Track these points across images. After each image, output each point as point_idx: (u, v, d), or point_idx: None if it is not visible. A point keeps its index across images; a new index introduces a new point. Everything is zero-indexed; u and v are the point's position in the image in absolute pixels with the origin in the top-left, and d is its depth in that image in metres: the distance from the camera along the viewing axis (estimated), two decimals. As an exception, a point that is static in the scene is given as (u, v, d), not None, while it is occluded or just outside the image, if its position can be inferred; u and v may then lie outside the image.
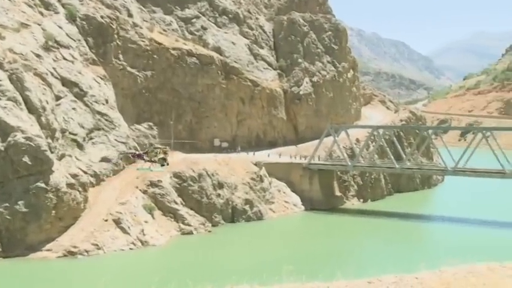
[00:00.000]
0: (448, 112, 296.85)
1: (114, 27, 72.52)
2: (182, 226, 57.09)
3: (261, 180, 70.46)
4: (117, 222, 50.82)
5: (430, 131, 79.98)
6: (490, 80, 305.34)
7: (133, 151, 57.78)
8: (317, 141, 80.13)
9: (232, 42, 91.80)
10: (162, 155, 55.41)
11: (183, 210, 58.72)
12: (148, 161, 55.03)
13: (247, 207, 65.47)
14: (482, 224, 66.27)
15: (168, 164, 56.73)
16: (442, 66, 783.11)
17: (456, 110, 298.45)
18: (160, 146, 57.19)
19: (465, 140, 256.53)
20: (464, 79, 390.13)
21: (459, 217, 70.93)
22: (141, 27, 77.43)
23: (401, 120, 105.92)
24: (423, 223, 68.96)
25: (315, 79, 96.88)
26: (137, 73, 74.79)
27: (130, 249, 49.16)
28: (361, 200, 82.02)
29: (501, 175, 67.52)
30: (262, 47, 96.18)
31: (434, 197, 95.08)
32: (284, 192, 73.29)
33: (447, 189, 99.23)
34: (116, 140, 62.57)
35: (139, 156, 55.54)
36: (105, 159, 59.46)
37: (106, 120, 63.01)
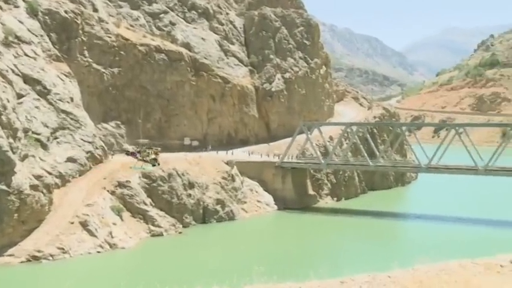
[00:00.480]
0: (421, 108, 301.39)
1: (78, 22, 71.38)
2: (152, 228, 56.61)
3: (233, 180, 70.36)
4: (84, 225, 50.07)
5: (403, 128, 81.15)
6: (462, 75, 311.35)
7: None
8: (290, 139, 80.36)
9: (202, 38, 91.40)
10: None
11: (153, 211, 58.23)
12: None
13: (218, 207, 65.30)
14: (455, 221, 67.53)
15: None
16: (415, 62, 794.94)
17: (429, 106, 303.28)
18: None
19: (438, 136, 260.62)
20: (437, 75, 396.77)
21: (432, 214, 72.14)
22: (107, 23, 76.40)
23: (374, 117, 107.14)
24: (397, 221, 69.90)
25: (287, 75, 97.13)
26: (103, 70, 73.79)
27: (98, 252, 48.52)
28: (335, 199, 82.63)
29: (474, 171, 68.91)
30: (232, 43, 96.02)
31: (408, 195, 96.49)
32: (256, 192, 73.33)
33: (421, 187, 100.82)
34: (81, 139, 61.62)
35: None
36: (70, 160, 58.52)
37: (71, 119, 61.97)
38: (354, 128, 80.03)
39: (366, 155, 76.11)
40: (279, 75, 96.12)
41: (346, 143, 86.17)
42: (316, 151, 78.24)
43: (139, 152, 63.81)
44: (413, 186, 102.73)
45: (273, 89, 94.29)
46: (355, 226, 65.43)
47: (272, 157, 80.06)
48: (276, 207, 73.03)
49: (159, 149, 66.60)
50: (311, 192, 79.44)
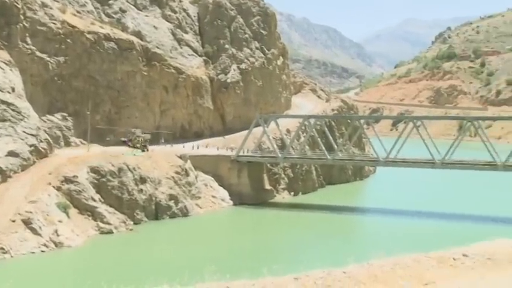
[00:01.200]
0: (380, 101, 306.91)
1: (19, 6, 69.11)
2: (101, 225, 55.60)
3: (187, 174, 69.91)
4: (27, 223, 48.67)
5: (362, 121, 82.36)
6: (420, 68, 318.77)
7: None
8: (246, 132, 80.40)
9: (154, 26, 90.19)
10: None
11: (102, 208, 57.17)
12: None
13: (171, 203, 64.78)
14: (412, 214, 69.26)
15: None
16: (373, 54, 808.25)
17: (388, 98, 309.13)
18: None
19: (397, 129, 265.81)
20: (395, 67, 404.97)
21: (390, 208, 73.71)
22: (51, 8, 74.28)
23: (332, 110, 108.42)
24: (355, 216, 71.10)
25: (243, 66, 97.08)
26: (48, 58, 71.82)
27: (42, 251, 47.25)
28: (292, 193, 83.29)
29: (431, 165, 70.72)
30: (186, 32, 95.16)
31: (366, 189, 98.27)
32: (211, 187, 73.14)
33: (379, 180, 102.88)
34: (24, 132, 59.83)
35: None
36: (12, 154, 56.77)
37: (13, 110, 60.07)
38: (312, 120, 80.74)
39: (323, 148, 76.91)
40: (234, 66, 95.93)
41: (304, 136, 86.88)
42: (273, 144, 78.56)
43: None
44: (372, 180, 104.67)
45: (228, 80, 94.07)
46: (313, 221, 66.09)
47: (227, 151, 79.91)
48: (231, 202, 73.03)
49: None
50: (268, 187, 79.78)
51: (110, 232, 55.38)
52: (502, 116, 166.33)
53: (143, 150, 69.31)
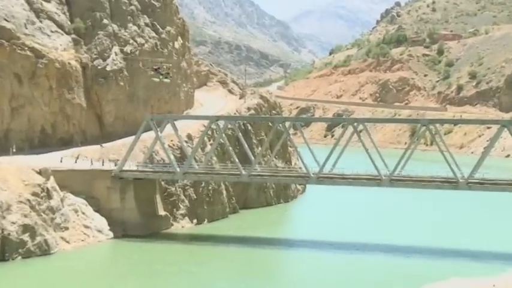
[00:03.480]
0: (310, 98, 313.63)
1: None
2: None
3: (49, 197, 68.01)
4: None
5: (287, 124, 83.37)
6: (362, 55, 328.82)
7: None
8: (132, 138, 79.47)
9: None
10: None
11: None
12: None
13: (26, 236, 62.63)
14: (351, 248, 70.80)
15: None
16: (302, 36, 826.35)
17: (321, 94, 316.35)
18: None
19: (333, 135, 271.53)
20: (330, 53, 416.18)
21: (323, 240, 75.02)
22: None
23: (249, 109, 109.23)
24: (277, 250, 71.66)
25: (128, 49, 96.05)
26: None
27: None
28: (195, 221, 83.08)
29: (377, 182, 72.56)
30: (48, 1, 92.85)
31: (292, 214, 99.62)
32: (83, 213, 71.63)
33: (309, 203, 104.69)
34: None
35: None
36: None
37: None
38: (222, 123, 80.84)
39: (236, 160, 77.19)
40: (116, 49, 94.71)
41: (211, 144, 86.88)
42: (169, 155, 78.02)
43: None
44: (300, 203, 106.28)
45: (108, 68, 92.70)
46: (223, 259, 66.15)
47: (107, 164, 78.66)
48: (111, 234, 71.84)
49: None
50: (162, 212, 79.15)
51: None
52: (465, 118, 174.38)
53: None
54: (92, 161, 79.68)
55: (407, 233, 79.57)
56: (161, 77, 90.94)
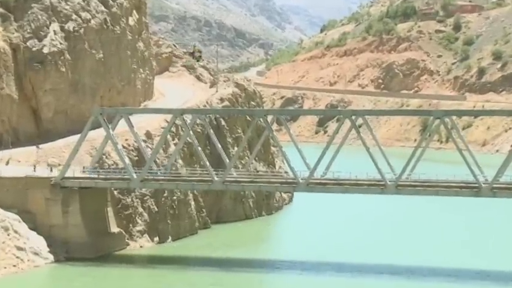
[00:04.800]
0: (297, 85, 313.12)
1: None
2: None
3: (-30, 211, 67.74)
4: None
5: (269, 118, 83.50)
6: (361, 32, 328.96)
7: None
8: (76, 137, 79.18)
9: None
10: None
11: None
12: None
13: None
14: (350, 271, 71.26)
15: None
16: (286, 9, 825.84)
17: (311, 81, 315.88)
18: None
19: (325, 132, 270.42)
20: (322, 31, 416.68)
21: (315, 262, 75.26)
22: None
23: (222, 100, 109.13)
24: (253, 274, 71.76)
25: (70, 26, 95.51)
26: None
27: None
28: (156, 240, 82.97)
29: (379, 189, 72.81)
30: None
31: (276, 229, 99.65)
32: (16, 232, 71.20)
33: (296, 216, 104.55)
34: None
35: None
36: None
37: None
38: (188, 118, 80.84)
39: (207, 163, 77.18)
40: (55, 26, 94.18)
41: (175, 144, 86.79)
42: (124, 158, 77.87)
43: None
44: (286, 215, 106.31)
45: (45, 50, 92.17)
46: (188, 286, 66.26)
47: (45, 170, 78.32)
48: (51, 257, 71.49)
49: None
50: (115, 229, 78.90)
51: None
52: (488, 109, 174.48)
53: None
54: (29, 166, 79.45)
55: (417, 252, 79.45)
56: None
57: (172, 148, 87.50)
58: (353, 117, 75.90)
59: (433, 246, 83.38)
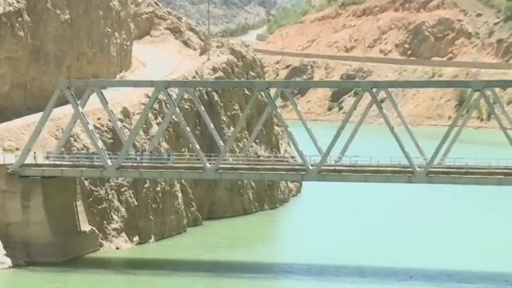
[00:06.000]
0: (306, 52, 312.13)
1: None
2: None
3: None
4: None
5: (272, 91, 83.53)
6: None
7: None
8: (38, 116, 79.18)
9: None
10: None
11: None
12: None
13: None
14: (360, 275, 71.63)
15: None
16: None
17: (323, 47, 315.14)
18: None
19: (340, 108, 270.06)
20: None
21: (320, 265, 75.59)
22: None
23: (214, 70, 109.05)
24: (252, 281, 71.91)
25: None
26: None
27: None
28: (136, 240, 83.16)
29: (408, 177, 72.75)
30: None
31: (280, 227, 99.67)
32: (-35, 232, 71.71)
33: (305, 210, 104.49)
34: None
35: None
36: None
37: None
38: (174, 92, 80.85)
39: (198, 147, 77.20)
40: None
41: (158, 124, 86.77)
42: (96, 141, 77.83)
43: None
44: (292, 209, 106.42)
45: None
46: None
47: (0, 155, 78.35)
48: (9, 262, 71.64)
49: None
50: (86, 227, 78.92)
51: None
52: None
53: None
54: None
55: (450, 254, 79.33)
56: None
57: (155, 129, 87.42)
58: (374, 90, 75.71)
59: (467, 245, 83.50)
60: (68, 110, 78.56)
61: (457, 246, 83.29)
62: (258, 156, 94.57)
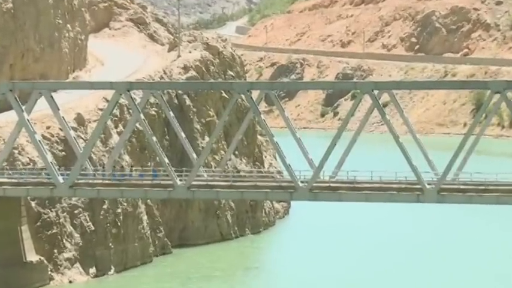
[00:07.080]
0: (295, 48, 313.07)
1: None
2: None
3: None
4: None
5: (255, 94, 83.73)
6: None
7: None
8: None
9: None
10: None
11: None
12: None
13: None
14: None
15: None
16: None
17: (314, 40, 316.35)
18: None
19: (335, 114, 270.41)
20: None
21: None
22: None
23: (186, 69, 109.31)
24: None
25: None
26: None
27: None
28: (92, 272, 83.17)
29: (416, 195, 72.84)
30: None
31: (264, 256, 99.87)
32: None
33: (294, 236, 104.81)
34: None
35: None
36: None
37: None
38: (138, 94, 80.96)
39: (165, 161, 77.26)
40: None
41: (119, 133, 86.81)
42: (45, 154, 77.84)
43: None
44: (278, 235, 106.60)
45: None
46: None
47: None
48: None
49: None
50: (32, 257, 78.92)
51: None
52: None
53: None
54: None
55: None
56: None
57: (115, 139, 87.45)
58: (375, 92, 75.93)
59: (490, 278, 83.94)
60: (11, 116, 78.44)
61: (474, 281, 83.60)
62: (238, 172, 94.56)
